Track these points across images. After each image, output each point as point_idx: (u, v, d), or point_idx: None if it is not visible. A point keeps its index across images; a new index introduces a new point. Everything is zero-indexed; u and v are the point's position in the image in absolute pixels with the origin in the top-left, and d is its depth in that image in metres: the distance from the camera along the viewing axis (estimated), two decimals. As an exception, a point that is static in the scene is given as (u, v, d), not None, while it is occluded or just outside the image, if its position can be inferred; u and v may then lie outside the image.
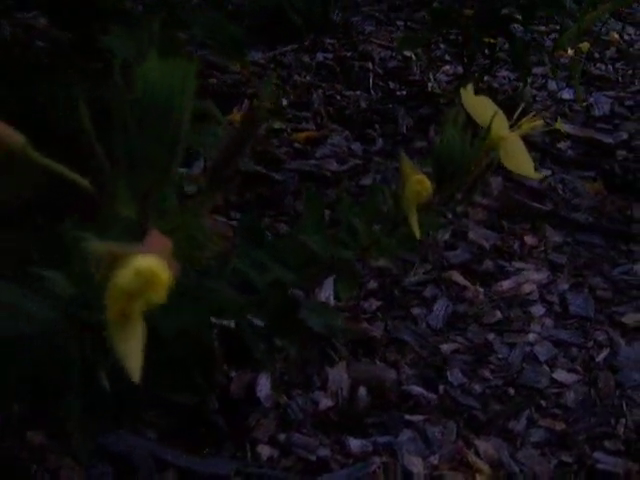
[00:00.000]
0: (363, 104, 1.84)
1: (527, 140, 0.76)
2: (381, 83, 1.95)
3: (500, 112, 0.72)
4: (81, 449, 0.70)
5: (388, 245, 0.76)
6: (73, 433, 0.71)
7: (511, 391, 1.10)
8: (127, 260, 0.38)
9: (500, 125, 0.72)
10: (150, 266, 0.38)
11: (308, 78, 1.94)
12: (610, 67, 2.18)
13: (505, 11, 1.73)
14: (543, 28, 2.26)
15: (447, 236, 1.39)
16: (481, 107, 0.73)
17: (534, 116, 0.77)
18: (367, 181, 1.52)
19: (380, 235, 0.77)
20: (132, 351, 0.40)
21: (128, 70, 0.44)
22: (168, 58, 0.43)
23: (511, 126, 0.75)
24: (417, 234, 0.70)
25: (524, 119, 0.76)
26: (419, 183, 0.68)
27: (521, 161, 0.76)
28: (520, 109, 0.76)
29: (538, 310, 1.25)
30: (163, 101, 0.42)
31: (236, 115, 1.69)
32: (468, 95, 0.74)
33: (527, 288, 1.29)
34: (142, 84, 0.42)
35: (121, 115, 0.42)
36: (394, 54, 2.09)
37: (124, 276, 0.38)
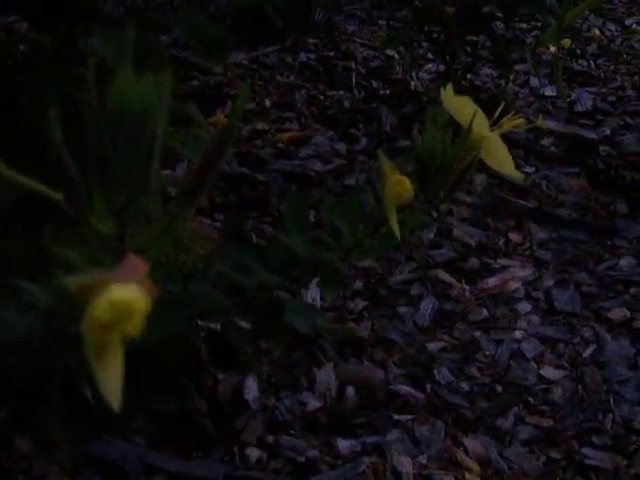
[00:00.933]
0: (346, 104, 1.83)
1: (510, 137, 0.76)
2: (364, 82, 1.95)
3: (480, 111, 0.72)
4: (65, 457, 0.70)
5: (371, 246, 0.76)
6: (57, 441, 0.71)
7: (499, 388, 1.10)
8: (102, 290, 0.38)
9: (481, 124, 0.72)
10: (125, 297, 0.37)
11: (291, 78, 1.94)
12: (592, 63, 2.19)
13: (486, 9, 1.74)
14: (524, 25, 2.27)
15: (432, 234, 1.39)
16: (461, 106, 0.73)
17: (516, 114, 0.77)
18: (351, 181, 1.52)
19: (363, 236, 0.77)
20: (111, 379, 0.40)
21: (104, 78, 0.44)
22: (143, 68, 0.42)
23: (493, 124, 0.75)
24: (397, 234, 0.69)
25: (506, 117, 0.76)
26: (399, 184, 0.68)
27: (502, 160, 0.76)
28: (502, 107, 0.76)
29: (524, 307, 1.26)
30: (138, 114, 0.42)
31: (219, 117, 1.69)
32: (448, 95, 0.74)
33: (513, 285, 1.30)
34: (116, 96, 0.42)
35: (95, 128, 0.42)
36: (377, 53, 2.09)
37: (99, 307, 0.37)
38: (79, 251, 0.47)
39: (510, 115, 0.76)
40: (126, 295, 0.37)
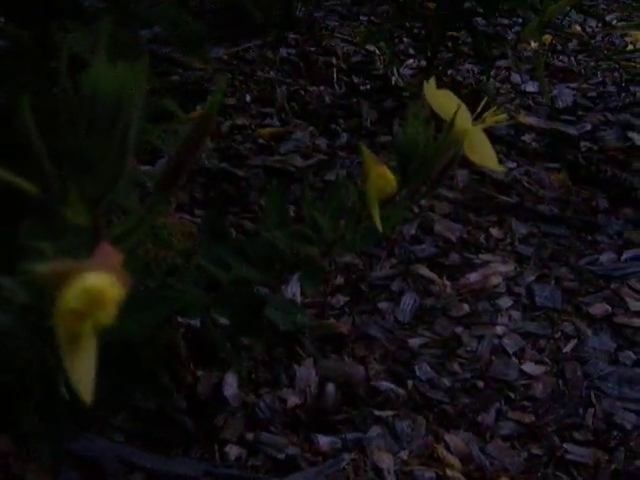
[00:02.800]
0: (327, 99, 1.83)
1: (492, 133, 0.75)
2: (345, 78, 1.95)
3: (463, 105, 0.71)
4: (44, 455, 0.69)
5: (352, 241, 0.76)
6: (36, 439, 0.70)
7: (480, 384, 1.10)
8: (74, 278, 0.37)
9: (463, 118, 0.72)
10: (97, 284, 0.36)
11: (271, 74, 1.93)
12: (573, 59, 2.19)
13: (467, 5, 1.73)
14: (505, 21, 2.27)
15: (413, 230, 1.39)
16: (444, 101, 0.73)
17: (498, 109, 0.77)
18: (332, 176, 1.51)
19: (345, 230, 0.76)
20: (83, 371, 0.39)
21: (79, 70, 0.43)
22: (117, 59, 0.42)
23: (475, 119, 0.75)
24: (380, 228, 0.69)
25: (488, 112, 0.76)
26: (381, 176, 0.67)
27: (485, 154, 0.75)
28: (484, 102, 0.76)
29: (505, 302, 1.25)
30: (112, 104, 0.41)
31: (199, 112, 1.68)
32: (431, 89, 0.73)
33: (494, 280, 1.29)
34: (91, 83, 0.41)
35: (69, 119, 0.41)
36: (357, 49, 2.09)
37: (71, 295, 0.36)
38: (53, 243, 0.46)
39: (492, 110, 0.75)
40: (98, 282, 0.36)
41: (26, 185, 0.44)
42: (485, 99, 0.77)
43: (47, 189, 0.44)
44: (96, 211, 0.44)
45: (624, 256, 1.38)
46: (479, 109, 0.75)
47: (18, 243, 0.50)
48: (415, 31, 1.88)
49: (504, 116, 0.76)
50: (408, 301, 1.23)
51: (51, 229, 0.46)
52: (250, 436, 0.97)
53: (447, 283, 1.28)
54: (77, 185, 0.43)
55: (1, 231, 0.59)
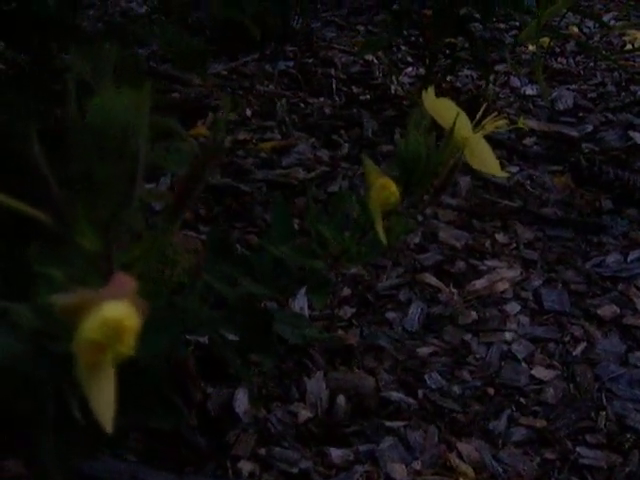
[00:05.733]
0: (327, 110, 1.83)
1: (492, 138, 0.76)
2: (344, 88, 1.95)
3: (462, 113, 0.72)
4: (55, 477, 0.69)
5: (358, 253, 0.76)
6: (49, 463, 0.70)
7: (491, 391, 1.09)
8: (93, 309, 0.37)
9: (463, 126, 0.72)
10: (116, 315, 0.36)
11: (271, 87, 1.93)
12: (571, 61, 2.19)
13: (464, 10, 1.74)
14: (503, 25, 2.27)
15: (418, 238, 1.39)
16: (443, 109, 0.73)
17: (498, 114, 0.77)
18: (335, 188, 1.51)
19: (349, 243, 0.76)
20: (103, 400, 0.39)
21: (84, 94, 0.43)
22: (124, 84, 0.42)
23: (475, 125, 0.75)
24: (384, 240, 0.69)
25: (488, 118, 0.76)
26: (385, 188, 0.67)
27: (486, 160, 0.76)
28: (483, 108, 0.76)
29: (513, 308, 1.25)
30: (120, 128, 0.41)
31: (200, 129, 1.68)
32: (430, 98, 0.73)
33: (501, 286, 1.29)
34: (97, 111, 0.41)
35: (77, 143, 0.41)
36: (356, 59, 2.09)
37: (91, 327, 0.36)
38: (63, 270, 0.46)
39: (492, 116, 0.75)
40: (118, 313, 0.36)
41: (35, 213, 0.44)
42: (485, 105, 0.77)
43: (56, 215, 0.44)
44: (106, 237, 0.44)
45: (630, 257, 1.38)
46: (479, 115, 0.75)
47: (26, 269, 0.50)
48: (413, 39, 1.88)
49: (504, 122, 0.76)
50: (415, 310, 1.23)
51: (59, 255, 0.46)
52: (262, 451, 0.97)
53: (454, 291, 1.28)
54: (87, 211, 0.43)
55: (9, 257, 0.59)
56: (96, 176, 0.42)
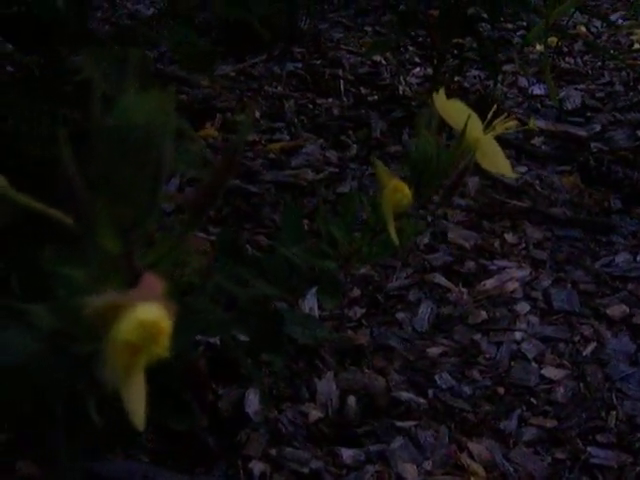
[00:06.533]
0: (335, 111, 1.83)
1: (501, 138, 0.76)
2: (352, 89, 1.95)
3: (474, 114, 0.72)
4: (68, 477, 0.70)
5: (368, 253, 0.76)
6: (61, 463, 0.70)
7: (501, 391, 1.10)
8: (127, 310, 0.37)
9: (474, 127, 0.72)
10: (152, 317, 0.36)
11: (279, 88, 1.93)
12: (579, 60, 2.19)
13: (471, 10, 1.74)
14: (510, 25, 2.27)
15: (427, 239, 1.39)
16: (454, 110, 0.73)
17: (508, 115, 0.77)
18: (344, 189, 1.52)
19: (360, 243, 0.76)
20: (136, 400, 0.39)
21: (102, 98, 0.43)
22: (147, 89, 0.42)
23: (486, 126, 0.75)
24: (396, 241, 0.69)
25: (498, 119, 0.76)
26: (398, 190, 0.67)
27: (497, 160, 0.75)
28: (493, 109, 0.76)
29: (523, 307, 1.25)
30: (145, 133, 0.41)
31: (209, 130, 1.69)
32: (440, 99, 0.73)
33: (510, 286, 1.29)
34: (122, 113, 0.41)
35: (101, 146, 0.41)
36: (364, 60, 2.09)
37: (126, 329, 0.36)
38: (83, 270, 0.46)
39: (502, 117, 0.75)
40: (153, 315, 0.36)
41: (56, 213, 0.44)
42: (495, 106, 0.77)
43: (77, 216, 0.44)
44: (129, 239, 0.44)
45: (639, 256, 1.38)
46: (489, 116, 0.75)
47: (42, 271, 0.50)
48: (420, 39, 1.88)
49: (514, 123, 0.76)
50: (425, 310, 1.23)
51: (76, 256, 0.46)
52: (273, 452, 0.98)
53: (463, 290, 1.28)
54: (109, 213, 0.43)
55: (27, 257, 0.59)
56: (119, 178, 0.42)
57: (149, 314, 0.36)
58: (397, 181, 0.68)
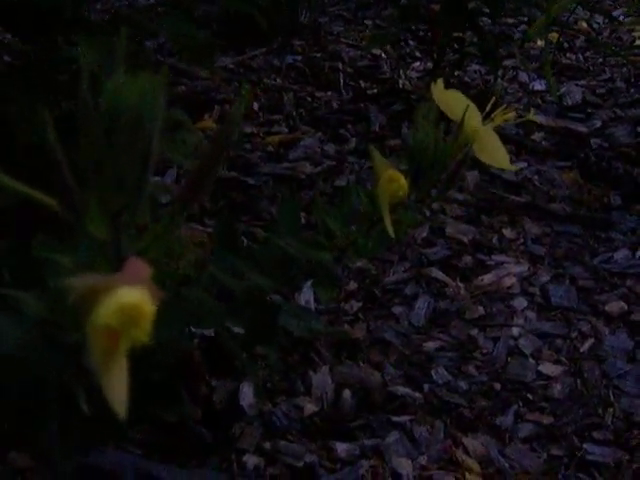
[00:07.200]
0: (335, 104, 1.82)
1: (500, 133, 0.75)
2: (352, 82, 1.94)
3: (472, 105, 0.71)
4: (62, 469, 0.69)
5: (365, 246, 0.75)
6: (54, 454, 0.70)
7: (497, 386, 1.09)
8: (108, 294, 0.36)
9: (473, 118, 0.71)
10: (133, 300, 0.36)
11: (278, 81, 1.92)
12: (580, 56, 2.18)
13: (472, 5, 1.73)
14: (511, 20, 2.26)
15: (425, 233, 1.38)
16: (453, 101, 0.72)
17: (506, 108, 0.76)
18: (342, 182, 1.51)
19: (357, 236, 0.76)
20: (117, 387, 0.38)
21: (95, 83, 0.43)
22: (136, 72, 0.41)
23: (484, 119, 0.74)
24: (391, 233, 0.68)
25: (496, 112, 0.75)
26: (393, 180, 0.67)
27: (496, 154, 0.75)
28: (492, 102, 0.75)
29: (520, 303, 1.25)
30: (133, 116, 0.40)
31: (207, 122, 1.68)
32: (439, 90, 0.73)
33: (508, 281, 1.29)
34: (111, 99, 0.40)
35: (89, 131, 0.41)
36: (364, 53, 2.08)
37: (107, 312, 0.36)
38: (71, 257, 0.45)
39: (501, 108, 0.75)
40: (134, 298, 0.36)
41: (45, 199, 0.44)
42: (493, 99, 0.76)
43: (66, 202, 0.43)
44: (117, 225, 0.43)
45: (639, 253, 1.37)
46: (487, 109, 0.75)
47: (32, 260, 0.50)
48: (421, 33, 1.87)
49: (513, 114, 0.76)
50: (422, 305, 1.22)
51: (65, 243, 0.46)
52: (267, 445, 0.97)
53: (461, 285, 1.27)
54: (98, 199, 0.42)
55: (16, 245, 0.59)
56: (108, 163, 0.42)
57: (129, 297, 0.36)
58: (393, 171, 0.67)
